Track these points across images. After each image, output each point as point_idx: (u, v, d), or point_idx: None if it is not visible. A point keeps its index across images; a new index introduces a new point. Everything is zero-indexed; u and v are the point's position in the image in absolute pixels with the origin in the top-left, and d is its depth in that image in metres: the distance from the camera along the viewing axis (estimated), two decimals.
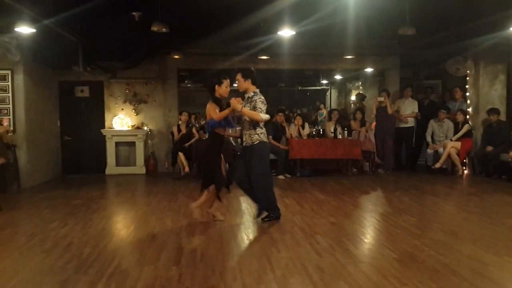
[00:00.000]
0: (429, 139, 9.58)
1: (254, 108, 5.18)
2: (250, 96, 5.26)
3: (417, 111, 9.84)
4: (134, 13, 6.77)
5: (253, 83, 5.31)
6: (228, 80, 5.34)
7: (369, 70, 11.63)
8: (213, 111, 5.18)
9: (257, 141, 5.23)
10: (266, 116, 5.23)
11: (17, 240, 4.81)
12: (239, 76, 5.29)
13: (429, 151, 9.51)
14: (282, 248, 4.38)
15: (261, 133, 5.26)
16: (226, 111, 5.14)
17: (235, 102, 5.08)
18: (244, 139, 5.32)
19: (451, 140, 9.25)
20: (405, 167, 10.11)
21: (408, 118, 9.83)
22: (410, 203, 6.66)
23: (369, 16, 7.04)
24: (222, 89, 5.25)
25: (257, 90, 5.32)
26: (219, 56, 10.37)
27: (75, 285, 3.49)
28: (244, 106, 5.19)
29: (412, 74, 11.72)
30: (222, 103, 5.28)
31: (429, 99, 10.40)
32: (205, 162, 5.50)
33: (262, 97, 5.26)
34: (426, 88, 10.78)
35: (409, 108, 9.87)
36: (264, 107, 5.21)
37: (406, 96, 9.99)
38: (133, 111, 10.25)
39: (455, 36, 8.41)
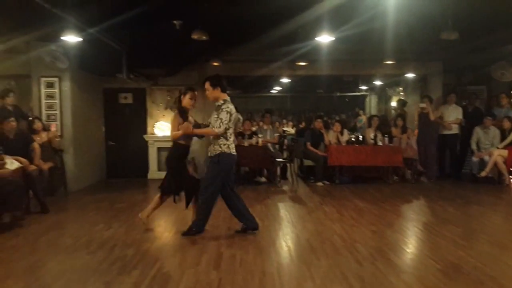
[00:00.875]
0: (474, 146, 9.27)
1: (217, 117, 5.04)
2: (220, 104, 5.07)
3: (461, 117, 9.56)
4: (175, 22, 6.93)
5: (223, 91, 5.12)
6: (194, 93, 5.37)
7: (410, 75, 11.40)
8: (172, 127, 5.30)
9: (218, 152, 5.07)
10: (219, 130, 4.98)
11: (64, 242, 5.00)
12: (207, 85, 5.10)
13: (475, 159, 9.20)
14: (322, 256, 4.35)
15: (223, 144, 5.06)
16: (179, 133, 5.19)
17: (185, 127, 5.11)
18: (208, 150, 5.20)
19: (498, 147, 8.93)
20: (449, 176, 9.80)
21: (452, 125, 9.56)
22: (454, 213, 6.46)
23: (410, 21, 6.90)
24: (186, 100, 5.30)
25: (228, 98, 5.13)
26: (258, 63, 10.45)
27: (119, 286, 3.60)
28: (213, 115, 5.12)
29: (456, 79, 11.40)
30: (187, 114, 5.31)
31: (474, 106, 10.08)
32: (167, 170, 5.52)
33: (231, 107, 5.08)
34: (470, 94, 10.46)
35: (453, 115, 9.59)
36: (226, 117, 4.99)
37: (449, 102, 9.72)
38: None
39: (500, 40, 8.14)
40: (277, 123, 15.36)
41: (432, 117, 9.39)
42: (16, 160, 6.09)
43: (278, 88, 18.24)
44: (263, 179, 9.49)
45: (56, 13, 5.41)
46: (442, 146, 9.71)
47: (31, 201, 6.50)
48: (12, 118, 6.75)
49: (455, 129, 9.64)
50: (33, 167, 6.42)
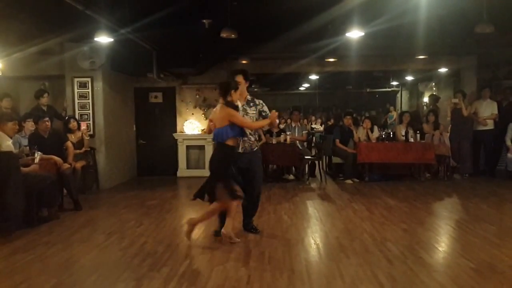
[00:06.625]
0: (509, 142, 8.98)
1: (260, 112, 5.00)
2: (250, 99, 5.03)
3: (496, 112, 9.26)
4: (204, 21, 6.98)
5: None
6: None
7: (443, 70, 11.13)
8: (242, 118, 4.72)
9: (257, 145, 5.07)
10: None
11: (96, 238, 5.11)
12: (241, 78, 4.93)
13: (510, 155, 8.91)
14: (351, 254, 4.30)
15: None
16: (265, 121, 4.89)
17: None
18: (245, 145, 4.91)
19: None
20: (484, 173, 9.53)
21: (487, 120, 9.28)
22: (488, 211, 6.28)
23: (443, 15, 6.74)
24: (236, 95, 4.75)
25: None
26: (286, 60, 10.44)
27: (149, 282, 3.65)
28: (248, 109, 4.99)
29: (491, 74, 11.06)
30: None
31: (509, 100, 9.75)
32: (215, 178, 4.93)
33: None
34: (506, 88, 10.12)
35: (487, 110, 9.30)
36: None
37: (484, 97, 9.44)
38: (203, 115, 10.53)
39: None
40: (304, 120, 15.30)
41: (465, 112, 9.15)
42: (51, 159, 6.27)
43: (306, 85, 18.16)
44: (291, 177, 9.46)
45: (88, 14, 5.53)
46: (477, 142, 9.44)
47: (65, 199, 6.69)
48: (46, 118, 6.94)
49: (490, 125, 9.35)
50: (66, 165, 6.58)
